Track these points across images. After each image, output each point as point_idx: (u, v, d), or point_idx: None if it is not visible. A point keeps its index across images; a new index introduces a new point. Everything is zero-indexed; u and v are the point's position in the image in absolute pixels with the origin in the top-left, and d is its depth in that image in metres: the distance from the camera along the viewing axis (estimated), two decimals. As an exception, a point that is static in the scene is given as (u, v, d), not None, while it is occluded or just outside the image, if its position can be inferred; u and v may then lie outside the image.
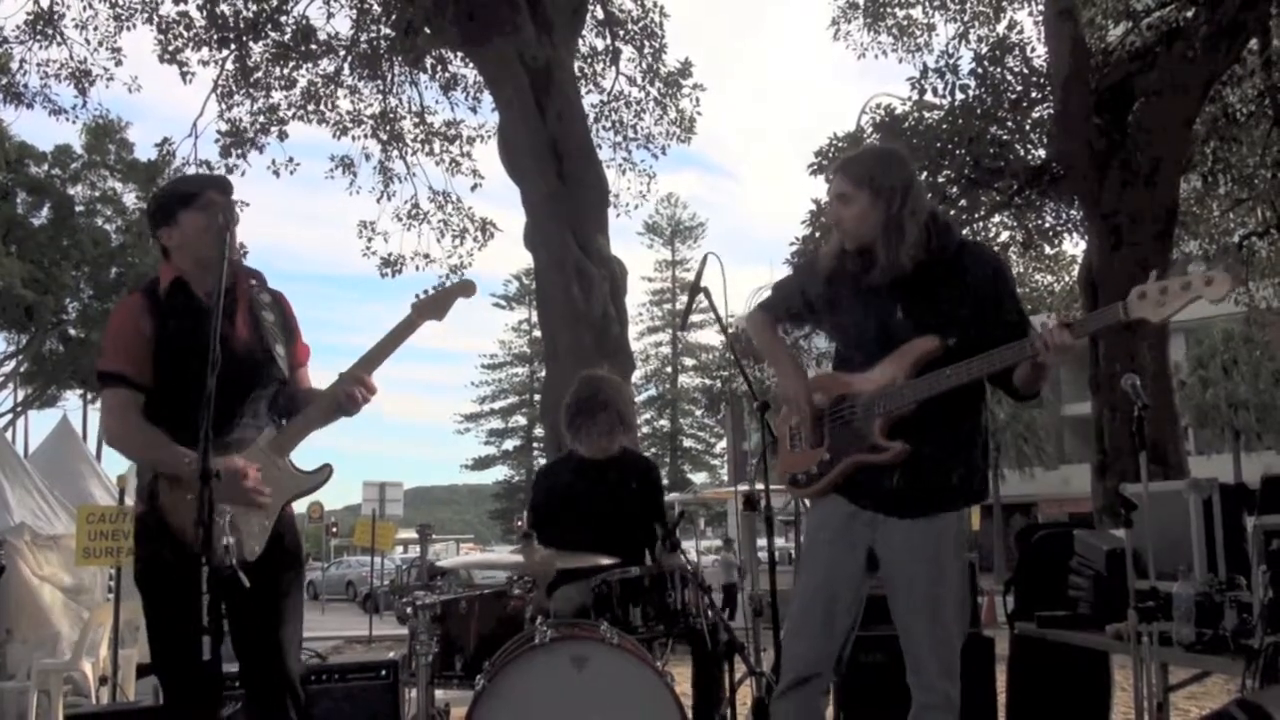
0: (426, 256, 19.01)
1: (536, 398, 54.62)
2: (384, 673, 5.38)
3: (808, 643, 3.57)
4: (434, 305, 3.64)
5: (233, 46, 16.87)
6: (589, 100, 17.98)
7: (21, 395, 39.85)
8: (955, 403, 3.44)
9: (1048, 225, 18.61)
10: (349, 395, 3.47)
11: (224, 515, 3.24)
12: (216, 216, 3.38)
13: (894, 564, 3.50)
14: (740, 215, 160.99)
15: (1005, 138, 16.36)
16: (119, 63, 17.10)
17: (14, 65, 17.14)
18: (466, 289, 3.74)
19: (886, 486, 3.47)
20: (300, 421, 3.51)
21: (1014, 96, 16.36)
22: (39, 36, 16.66)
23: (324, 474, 3.55)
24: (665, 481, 5.55)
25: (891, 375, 3.46)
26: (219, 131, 17.33)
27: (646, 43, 18.47)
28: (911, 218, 3.45)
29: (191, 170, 17.63)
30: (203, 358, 3.15)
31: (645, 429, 60.15)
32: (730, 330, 5.01)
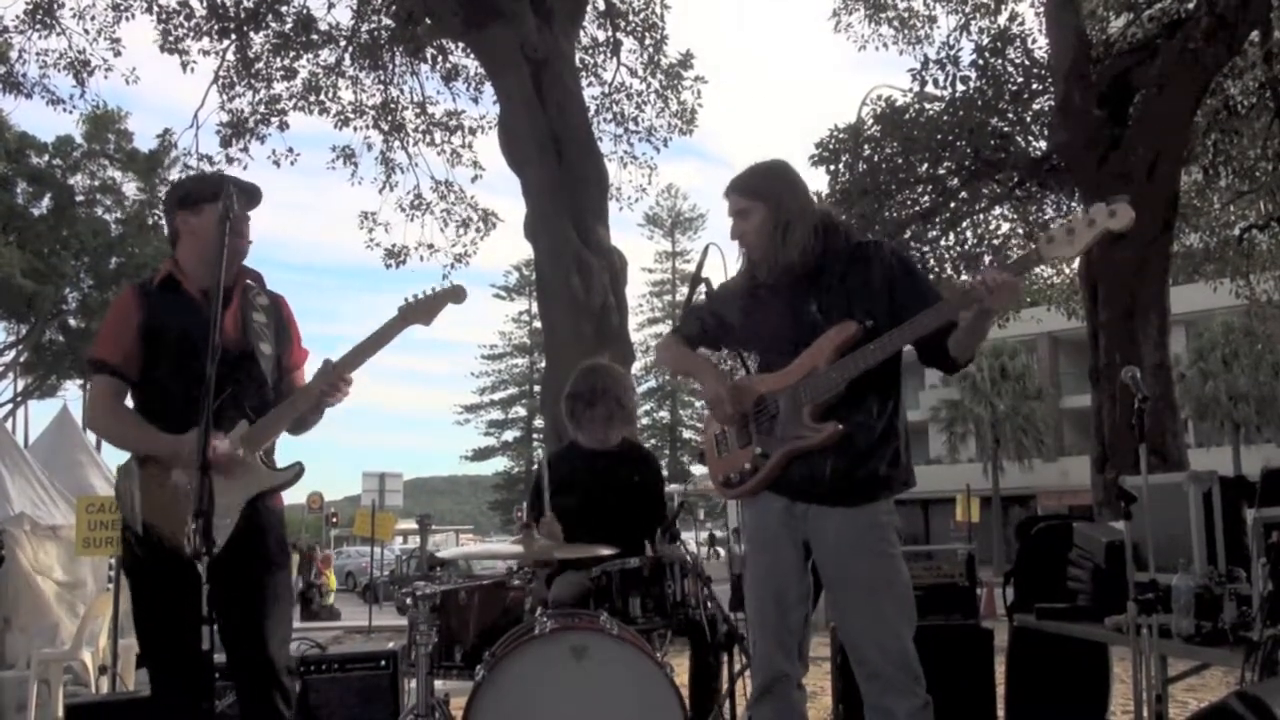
0: (430, 246, 19.05)
1: (536, 389, 54.64)
2: (384, 663, 5.38)
3: (768, 645, 3.63)
4: (422, 310, 3.64)
5: (233, 37, 16.87)
6: (590, 92, 18.01)
7: (21, 385, 39.88)
8: (873, 391, 3.51)
9: (1048, 217, 18.56)
10: (325, 392, 3.51)
11: (186, 509, 3.28)
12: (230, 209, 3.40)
13: (827, 555, 3.55)
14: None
15: (1006, 129, 16.33)
16: (118, 53, 17.10)
17: (13, 55, 17.15)
18: (456, 295, 3.71)
19: (820, 475, 3.51)
20: (273, 417, 3.53)
21: (1015, 88, 16.34)
22: (38, 26, 16.64)
23: (293, 471, 3.57)
24: (665, 473, 5.54)
25: (811, 366, 3.52)
26: (220, 122, 17.36)
27: (647, 34, 18.46)
28: (800, 220, 3.59)
29: (193, 161, 17.69)
30: (187, 350, 3.29)
31: (645, 420, 60.19)
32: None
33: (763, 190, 3.66)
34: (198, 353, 3.32)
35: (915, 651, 3.46)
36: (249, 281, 3.70)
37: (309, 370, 3.72)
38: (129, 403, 3.63)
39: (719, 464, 3.82)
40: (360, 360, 3.56)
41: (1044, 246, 3.29)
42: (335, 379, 3.51)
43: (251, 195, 3.62)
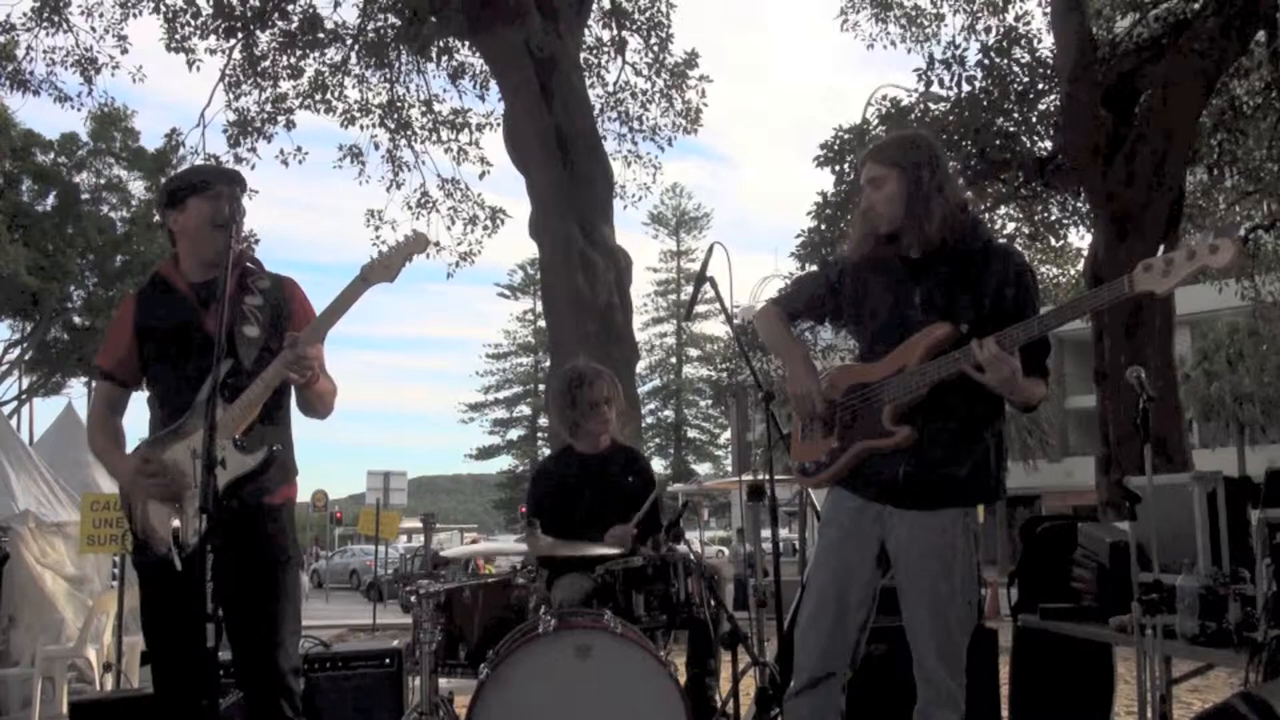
0: (436, 244, 19.03)
1: (541, 388, 54.68)
2: (388, 661, 5.39)
3: (821, 640, 3.57)
4: (383, 267, 3.51)
5: (239, 35, 16.88)
6: (595, 91, 17.99)
7: (26, 383, 39.92)
8: (967, 395, 3.39)
9: (1054, 217, 18.59)
10: (288, 364, 3.42)
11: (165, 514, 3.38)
12: (222, 208, 3.41)
13: (901, 558, 3.49)
14: (741, 204, 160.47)
15: (1012, 129, 16.31)
16: (125, 50, 17.12)
17: (20, 52, 17.16)
18: (418, 244, 3.56)
19: (893, 476, 3.45)
20: (242, 400, 3.45)
21: (1021, 88, 16.32)
22: (45, 23, 16.66)
23: (263, 456, 3.44)
24: (669, 472, 5.54)
25: (902, 363, 3.45)
26: (227, 121, 17.37)
27: (653, 33, 18.45)
28: (938, 195, 3.46)
29: (199, 160, 17.69)
30: (177, 347, 3.42)
31: (649, 420, 60.13)
32: (735, 320, 5.02)
33: (900, 159, 3.54)
34: (188, 349, 3.46)
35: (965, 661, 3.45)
36: (248, 265, 3.68)
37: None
38: (146, 397, 3.67)
39: (800, 449, 3.77)
40: (326, 326, 3.50)
41: (1139, 276, 3.11)
42: (297, 352, 3.41)
43: (233, 181, 3.63)
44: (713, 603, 4.63)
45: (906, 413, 3.44)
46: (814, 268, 4.03)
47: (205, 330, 3.47)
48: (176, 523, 3.36)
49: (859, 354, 3.74)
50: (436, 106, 18.93)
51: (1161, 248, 3.29)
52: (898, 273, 3.54)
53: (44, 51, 16.98)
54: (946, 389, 3.38)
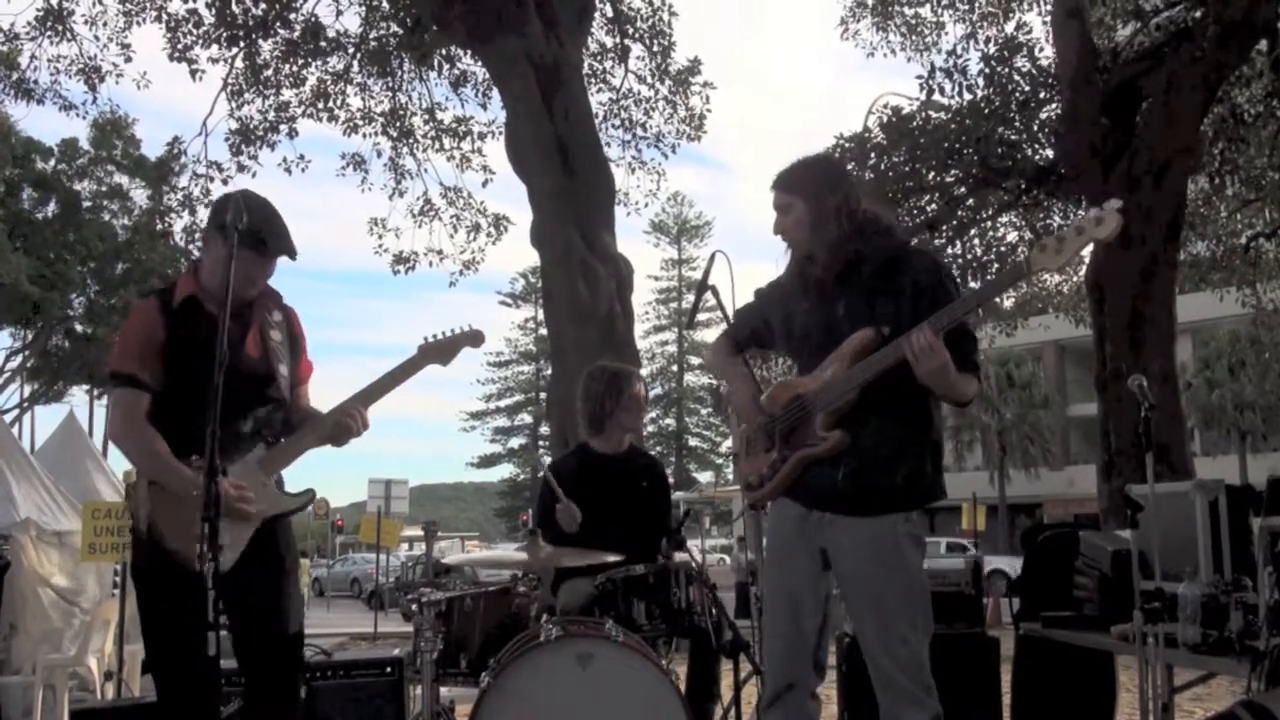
0: (439, 253, 19.09)
1: (542, 396, 54.63)
2: (389, 669, 5.38)
3: (781, 649, 3.63)
4: (440, 351, 3.81)
5: (242, 44, 16.92)
6: (599, 98, 18.06)
7: (28, 391, 39.95)
8: (890, 401, 3.43)
9: (1055, 225, 18.56)
10: (343, 426, 3.60)
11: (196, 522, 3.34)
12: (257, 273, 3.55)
13: (841, 565, 3.53)
14: (741, 211, 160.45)
15: (1013, 138, 16.32)
16: (128, 59, 17.18)
17: (24, 61, 17.22)
18: (475, 339, 3.89)
19: (831, 484, 3.49)
20: (291, 444, 3.60)
21: (1022, 97, 16.33)
22: (49, 32, 16.71)
23: (306, 498, 3.64)
24: (671, 480, 5.55)
25: (833, 372, 3.50)
26: (229, 130, 17.42)
27: (655, 41, 18.50)
28: (844, 213, 3.55)
29: (201, 168, 17.75)
30: (208, 368, 3.24)
31: (651, 428, 60.09)
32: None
33: (801, 185, 3.62)
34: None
35: (928, 662, 3.45)
36: (269, 303, 3.73)
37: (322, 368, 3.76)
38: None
39: (746, 465, 3.82)
40: (378, 395, 3.67)
41: (1034, 256, 3.25)
42: (351, 414, 3.61)
43: (283, 252, 3.65)
44: (714, 611, 4.62)
45: (839, 419, 3.48)
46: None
47: (242, 358, 3.52)
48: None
49: (797, 371, 3.79)
50: (439, 114, 19.03)
51: (1056, 228, 3.30)
52: (821, 291, 3.60)
53: (48, 60, 17.06)
54: (877, 394, 3.42)
